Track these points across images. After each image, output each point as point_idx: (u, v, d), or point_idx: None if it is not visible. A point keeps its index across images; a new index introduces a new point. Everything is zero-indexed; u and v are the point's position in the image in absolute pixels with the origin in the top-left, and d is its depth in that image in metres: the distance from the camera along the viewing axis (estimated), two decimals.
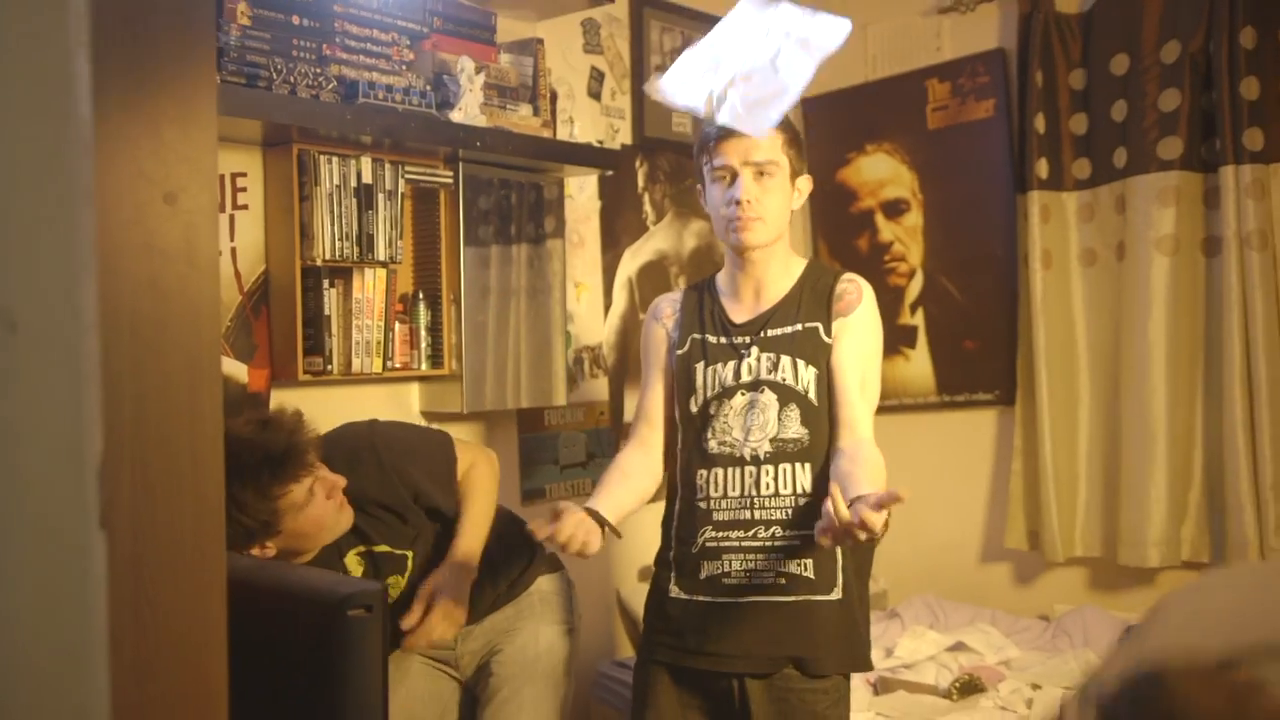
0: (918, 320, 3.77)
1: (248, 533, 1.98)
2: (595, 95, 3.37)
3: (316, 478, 2.05)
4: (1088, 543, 3.35)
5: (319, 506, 2.06)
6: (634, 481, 2.28)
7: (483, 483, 2.33)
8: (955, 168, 3.69)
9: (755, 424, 2.15)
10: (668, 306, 2.35)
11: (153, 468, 1.10)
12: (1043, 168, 3.39)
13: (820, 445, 2.15)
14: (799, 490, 2.13)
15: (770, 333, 2.19)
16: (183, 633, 1.13)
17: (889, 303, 3.76)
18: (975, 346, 3.66)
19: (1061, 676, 2.82)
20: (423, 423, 2.84)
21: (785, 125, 2.21)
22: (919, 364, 3.76)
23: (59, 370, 0.75)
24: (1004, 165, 3.54)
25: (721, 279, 2.31)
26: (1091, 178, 3.37)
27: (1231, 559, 3.07)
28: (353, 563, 2.21)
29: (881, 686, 2.87)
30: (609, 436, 3.37)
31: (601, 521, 2.07)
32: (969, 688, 2.80)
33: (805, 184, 2.26)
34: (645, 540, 2.44)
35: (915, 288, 3.77)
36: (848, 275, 2.26)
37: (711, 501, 2.17)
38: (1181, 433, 3.18)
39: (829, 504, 1.85)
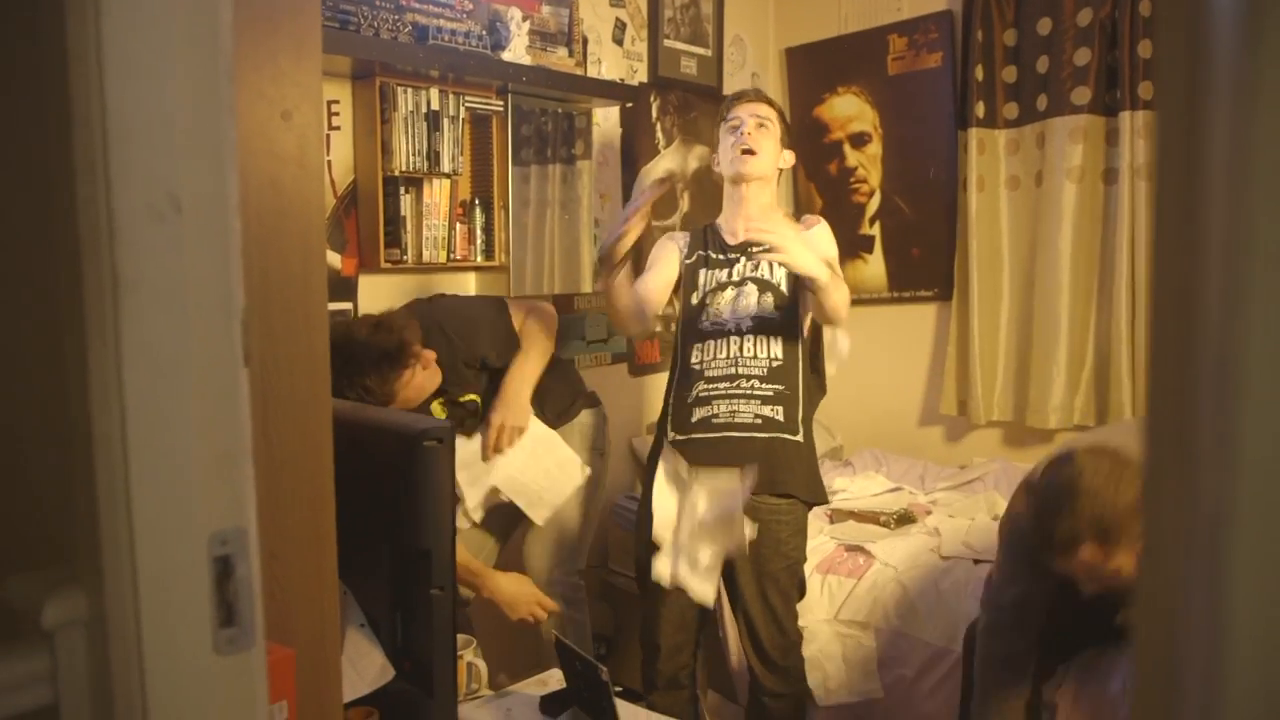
0: (875, 231, 3.76)
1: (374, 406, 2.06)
2: (618, 41, 3.33)
3: (419, 359, 2.11)
4: (1003, 409, 3.39)
5: (420, 377, 2.13)
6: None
7: (533, 335, 2.36)
8: (909, 107, 3.64)
9: (740, 307, 2.22)
10: (680, 237, 2.47)
11: (276, 322, 1.15)
12: (980, 109, 3.36)
13: (789, 324, 2.24)
14: (772, 355, 2.21)
15: (754, 249, 2.25)
16: (300, 449, 1.19)
17: (853, 216, 3.76)
18: (920, 253, 3.66)
19: (971, 510, 2.89)
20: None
21: (780, 111, 2.37)
22: (875, 266, 3.77)
23: (211, 242, 0.78)
24: (948, 106, 3.50)
25: (721, 220, 2.41)
26: (1018, 118, 3.33)
27: (1113, 422, 3.12)
28: (436, 409, 2.29)
29: (835, 517, 2.95)
30: None
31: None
32: (903, 519, 2.88)
33: (790, 156, 2.38)
34: (652, 400, 2.51)
35: (874, 205, 3.76)
36: (812, 215, 2.42)
37: (704, 364, 2.25)
38: (1079, 324, 3.20)
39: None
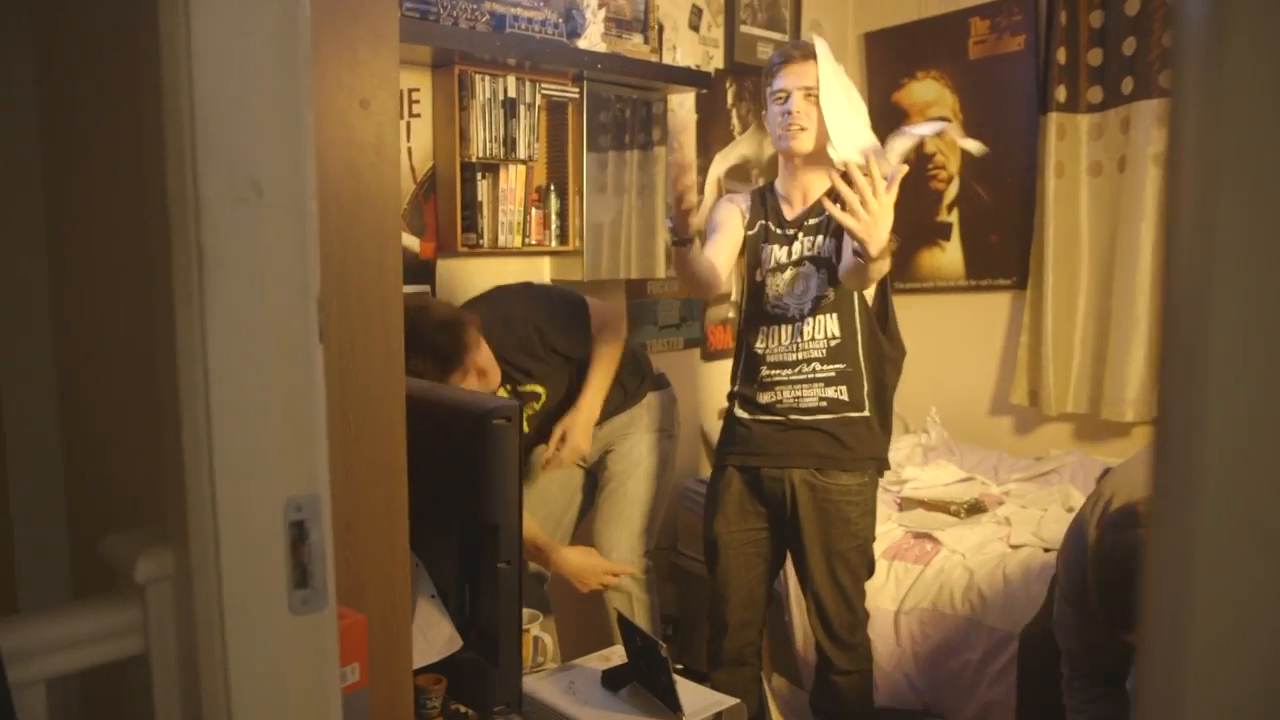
0: (953, 218, 3.71)
1: None
2: (694, 28, 3.33)
3: (476, 362, 2.12)
4: (1077, 401, 3.32)
5: (472, 383, 2.16)
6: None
7: (608, 347, 2.38)
8: (990, 92, 3.57)
9: (800, 290, 2.23)
10: (742, 200, 2.43)
11: (352, 306, 1.19)
12: (1061, 93, 3.28)
13: (844, 299, 2.22)
14: (830, 335, 2.21)
15: (809, 221, 2.26)
16: (374, 425, 1.24)
17: (930, 203, 3.71)
18: (998, 240, 3.59)
19: (1045, 502, 2.84)
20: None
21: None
22: (952, 254, 3.72)
23: (290, 224, 0.82)
24: (1030, 91, 3.42)
25: (778, 184, 2.38)
26: (1102, 102, 3.24)
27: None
28: (501, 393, 2.33)
29: (905, 504, 2.94)
30: (698, 304, 3.42)
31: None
32: (974, 508, 2.85)
33: None
34: (724, 386, 2.52)
35: (952, 191, 3.70)
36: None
37: (768, 349, 2.26)
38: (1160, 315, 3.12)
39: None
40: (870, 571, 2.32)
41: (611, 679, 1.65)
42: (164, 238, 0.78)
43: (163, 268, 0.78)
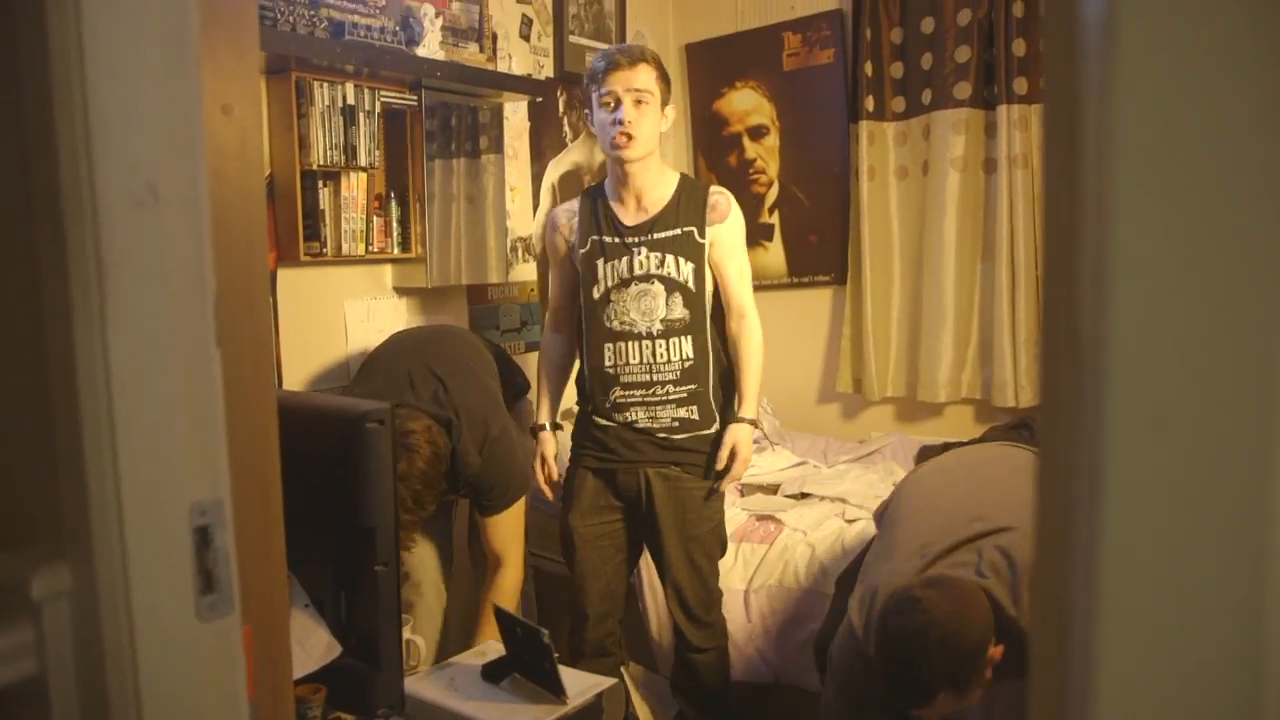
0: (774, 220, 3.87)
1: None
2: (525, 37, 3.35)
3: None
4: (896, 385, 3.54)
5: None
6: (564, 369, 2.44)
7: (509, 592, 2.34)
8: (804, 101, 3.76)
9: (648, 308, 2.23)
10: (564, 219, 2.38)
11: (221, 310, 1.16)
12: (870, 103, 3.49)
13: (698, 321, 2.24)
14: (684, 356, 2.24)
15: (657, 236, 2.25)
16: (246, 433, 1.21)
17: (753, 206, 3.86)
18: (817, 240, 3.78)
19: (873, 483, 3.01)
20: (396, 298, 2.88)
21: (657, 64, 2.26)
22: (774, 253, 3.88)
23: (187, 228, 0.81)
24: (841, 100, 3.63)
25: (608, 187, 2.34)
26: (905, 111, 3.48)
27: (995, 396, 3.28)
28: None
29: (746, 490, 3.05)
30: (536, 309, 3.44)
31: (556, 427, 2.37)
32: (807, 494, 2.99)
33: (671, 112, 2.30)
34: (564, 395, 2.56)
35: (773, 194, 3.87)
36: (716, 188, 2.32)
37: (619, 368, 2.26)
38: (964, 304, 3.37)
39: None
40: (723, 551, 2.40)
41: (492, 671, 1.65)
42: (59, 243, 0.75)
43: (57, 273, 0.75)
